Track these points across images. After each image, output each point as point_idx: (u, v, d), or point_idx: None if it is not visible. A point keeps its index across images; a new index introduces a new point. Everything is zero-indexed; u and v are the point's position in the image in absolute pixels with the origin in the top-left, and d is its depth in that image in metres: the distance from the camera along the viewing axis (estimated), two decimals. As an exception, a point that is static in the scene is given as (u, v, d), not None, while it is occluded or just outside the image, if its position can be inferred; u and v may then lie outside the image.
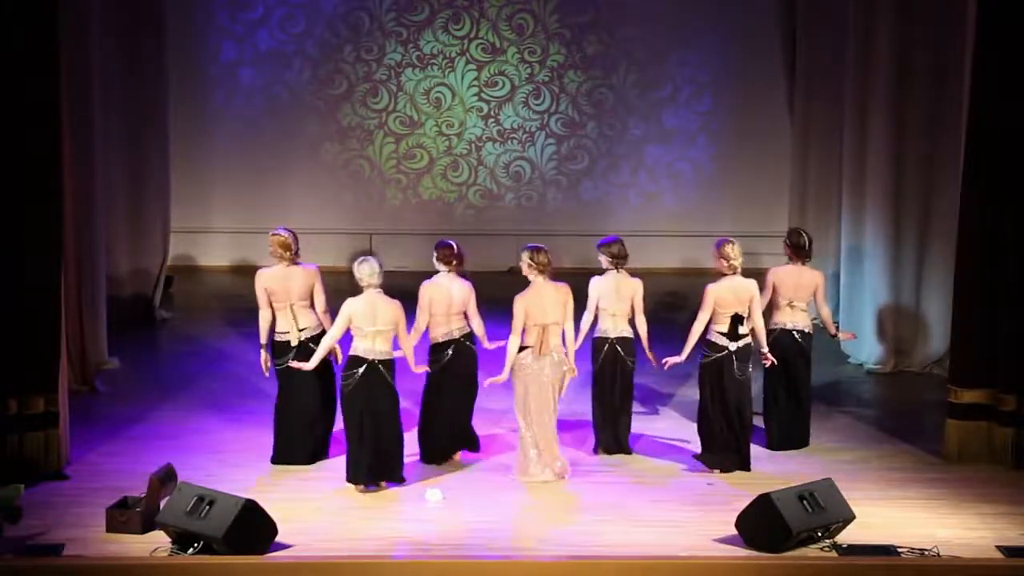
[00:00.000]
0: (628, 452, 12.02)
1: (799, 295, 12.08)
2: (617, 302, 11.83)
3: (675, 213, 18.32)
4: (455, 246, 11.67)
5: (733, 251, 11.50)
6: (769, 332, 11.96)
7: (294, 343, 11.56)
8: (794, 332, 12.10)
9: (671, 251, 17.94)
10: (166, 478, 10.53)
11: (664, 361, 11.73)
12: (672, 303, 16.51)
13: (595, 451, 12.03)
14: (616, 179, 18.36)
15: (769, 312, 12.00)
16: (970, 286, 11.91)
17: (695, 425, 12.13)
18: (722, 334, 11.48)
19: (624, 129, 18.29)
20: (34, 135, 11.15)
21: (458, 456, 11.81)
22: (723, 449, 11.60)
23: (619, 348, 11.86)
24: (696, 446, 11.84)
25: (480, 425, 12.30)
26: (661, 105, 18.26)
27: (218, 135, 18.11)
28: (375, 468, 11.09)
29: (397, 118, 18.23)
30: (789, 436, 12.15)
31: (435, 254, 11.69)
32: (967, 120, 12.09)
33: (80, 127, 13.14)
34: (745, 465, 11.59)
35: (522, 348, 11.32)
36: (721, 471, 11.54)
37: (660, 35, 18.15)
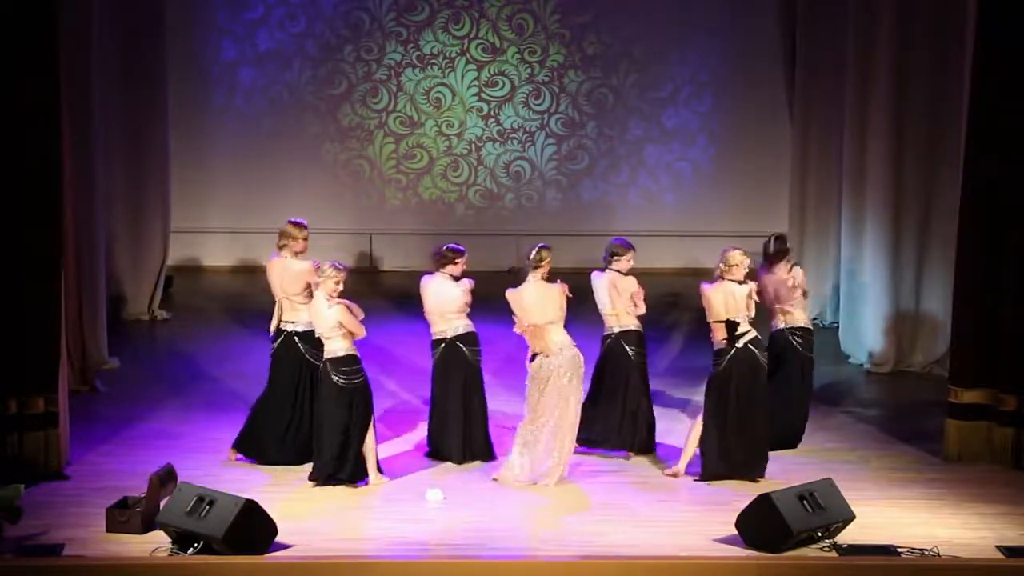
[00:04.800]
0: (651, 451, 11.93)
1: (781, 299, 12.05)
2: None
3: (675, 213, 18.32)
4: (444, 248, 11.76)
5: (733, 258, 11.46)
6: (769, 337, 11.96)
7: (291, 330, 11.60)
8: (787, 332, 12.06)
9: (671, 251, 17.93)
10: (166, 478, 10.52)
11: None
12: (672, 303, 16.51)
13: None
14: (616, 179, 18.36)
15: (764, 318, 11.89)
16: (970, 286, 11.91)
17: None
18: (723, 339, 11.42)
19: (624, 129, 18.29)
20: (34, 135, 11.15)
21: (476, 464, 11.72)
22: (734, 460, 11.49)
23: (623, 341, 11.87)
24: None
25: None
26: (661, 105, 18.26)
27: (218, 135, 18.10)
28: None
29: (397, 118, 18.23)
30: (781, 436, 12.11)
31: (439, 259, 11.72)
32: (967, 120, 12.09)
33: (80, 127, 13.14)
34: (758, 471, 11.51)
35: (534, 356, 11.30)
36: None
37: (660, 35, 18.15)
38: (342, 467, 11.12)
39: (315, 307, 11.13)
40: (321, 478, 11.14)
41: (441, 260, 11.68)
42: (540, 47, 18.14)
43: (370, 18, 18.03)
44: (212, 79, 18.05)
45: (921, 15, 14.14)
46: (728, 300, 11.40)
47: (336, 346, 11.07)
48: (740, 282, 11.43)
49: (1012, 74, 11.57)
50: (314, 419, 11.31)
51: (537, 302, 11.26)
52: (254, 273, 17.29)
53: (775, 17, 17.72)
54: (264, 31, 18.00)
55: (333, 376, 11.04)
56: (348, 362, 11.06)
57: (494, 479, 11.35)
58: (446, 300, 11.62)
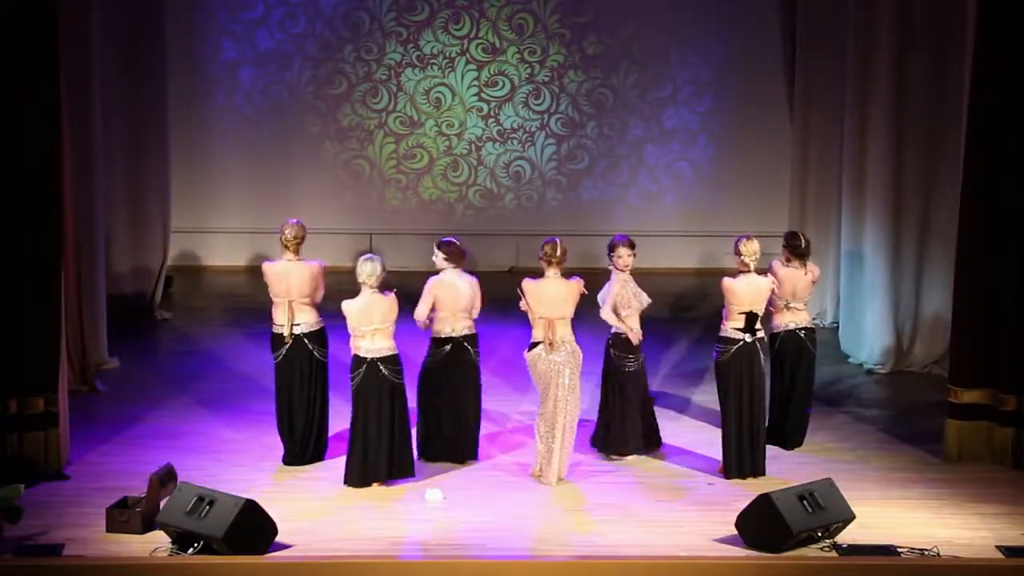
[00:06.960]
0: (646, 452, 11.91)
1: (798, 296, 12.06)
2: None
3: (675, 213, 18.31)
4: (458, 242, 11.67)
5: (746, 248, 11.50)
6: (773, 336, 11.96)
7: (287, 337, 11.54)
8: (798, 331, 12.07)
9: (671, 251, 17.93)
10: (166, 478, 10.53)
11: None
12: (673, 303, 16.51)
13: (592, 443, 11.82)
14: (616, 179, 18.36)
15: (767, 316, 11.92)
16: (970, 286, 11.91)
17: (698, 425, 12.12)
18: (737, 329, 11.42)
19: (624, 129, 18.28)
20: (34, 135, 11.15)
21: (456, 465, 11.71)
22: (744, 454, 11.50)
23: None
24: (700, 450, 11.84)
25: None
26: (661, 105, 18.25)
27: (218, 135, 18.10)
28: (383, 466, 11.11)
29: (397, 118, 18.23)
30: (786, 435, 12.12)
31: (439, 253, 11.62)
32: (967, 120, 12.10)
33: (80, 127, 13.14)
34: (760, 469, 11.53)
35: (533, 344, 11.30)
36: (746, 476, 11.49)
37: (660, 35, 18.14)
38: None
39: (370, 302, 11.09)
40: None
41: (459, 255, 11.58)
42: (540, 47, 18.14)
43: (370, 18, 18.03)
44: (212, 79, 18.04)
45: (921, 15, 14.14)
46: (752, 292, 11.42)
47: (391, 342, 11.17)
48: (760, 273, 11.51)
49: (1012, 74, 11.57)
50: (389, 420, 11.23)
51: (556, 298, 11.26)
52: (255, 273, 17.29)
53: (775, 17, 17.72)
54: (264, 31, 18.00)
55: (390, 374, 11.16)
56: (398, 359, 11.22)
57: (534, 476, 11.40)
58: (465, 296, 11.53)
